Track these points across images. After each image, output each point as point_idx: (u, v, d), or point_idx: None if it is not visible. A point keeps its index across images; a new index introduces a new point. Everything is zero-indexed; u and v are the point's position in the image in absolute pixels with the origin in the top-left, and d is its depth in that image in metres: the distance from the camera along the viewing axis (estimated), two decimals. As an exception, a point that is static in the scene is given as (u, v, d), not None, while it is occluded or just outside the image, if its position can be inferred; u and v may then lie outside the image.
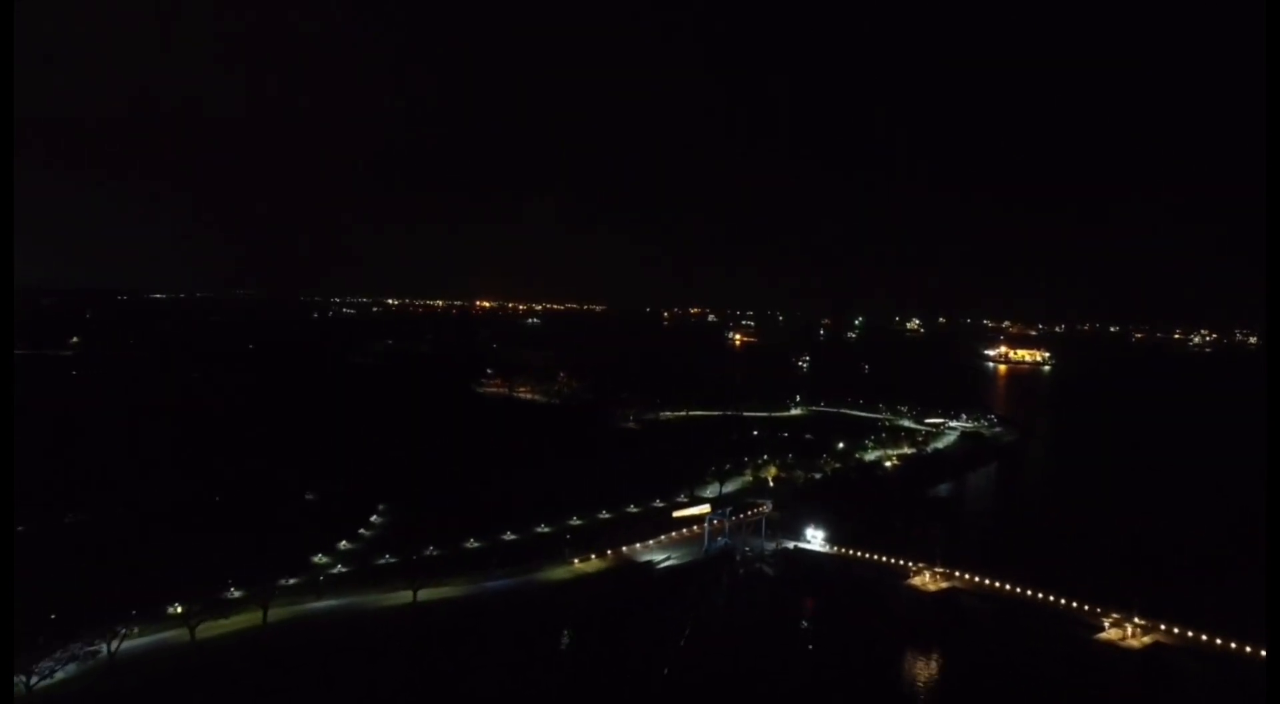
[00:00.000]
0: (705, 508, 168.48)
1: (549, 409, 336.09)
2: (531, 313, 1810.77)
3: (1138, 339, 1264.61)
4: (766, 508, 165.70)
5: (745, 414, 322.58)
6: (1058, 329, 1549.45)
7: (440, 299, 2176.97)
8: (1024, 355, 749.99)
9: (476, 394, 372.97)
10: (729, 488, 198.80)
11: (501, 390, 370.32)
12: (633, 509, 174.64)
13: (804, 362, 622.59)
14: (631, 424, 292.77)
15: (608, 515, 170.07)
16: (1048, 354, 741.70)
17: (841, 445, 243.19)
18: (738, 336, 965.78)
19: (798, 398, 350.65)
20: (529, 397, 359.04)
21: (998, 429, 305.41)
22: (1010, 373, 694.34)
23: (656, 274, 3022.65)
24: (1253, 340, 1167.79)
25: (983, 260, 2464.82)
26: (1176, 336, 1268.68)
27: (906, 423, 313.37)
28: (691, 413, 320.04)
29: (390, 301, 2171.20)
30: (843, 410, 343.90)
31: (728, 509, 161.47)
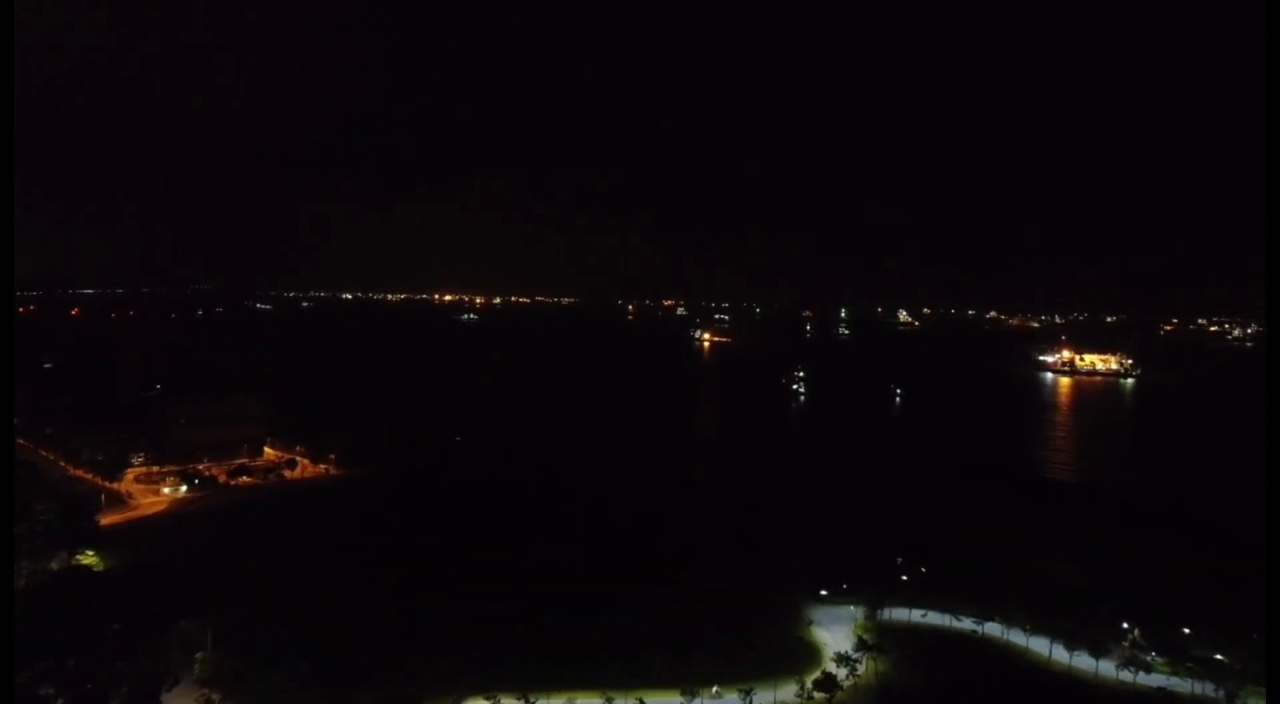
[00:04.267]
0: None
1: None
2: (489, 306, 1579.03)
3: (1166, 332, 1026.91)
4: None
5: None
6: (1058, 319, 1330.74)
7: (403, 292, 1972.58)
8: (1095, 362, 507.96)
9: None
10: None
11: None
12: None
13: (799, 381, 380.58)
14: None
15: None
16: (1129, 361, 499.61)
17: None
18: (707, 336, 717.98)
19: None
20: None
21: None
22: (1079, 387, 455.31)
23: (634, 266, 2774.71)
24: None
25: (963, 250, 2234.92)
26: (1213, 329, 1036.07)
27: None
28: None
29: (346, 295, 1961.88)
30: (949, 619, 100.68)
31: None
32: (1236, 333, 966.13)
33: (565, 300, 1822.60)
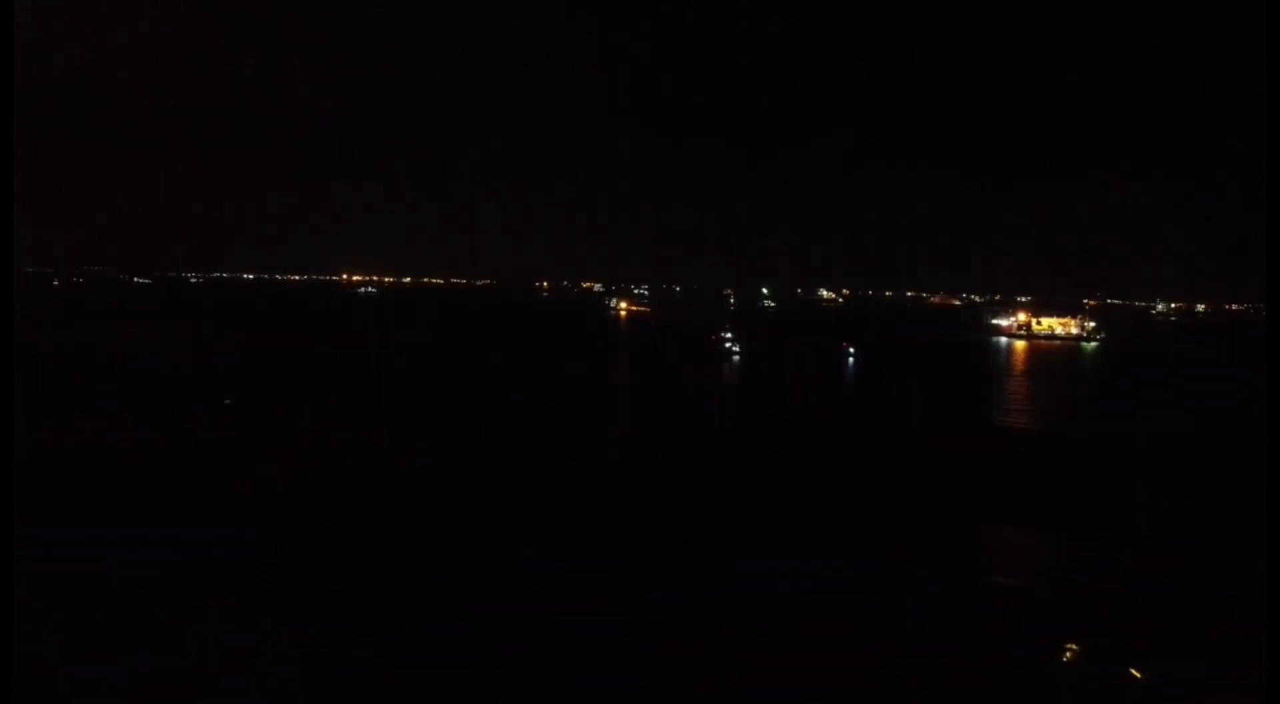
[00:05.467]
0: None
1: None
2: (398, 285, 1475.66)
3: (1090, 307, 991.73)
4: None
5: None
6: (976, 299, 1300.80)
7: (308, 274, 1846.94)
8: (1053, 326, 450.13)
9: None
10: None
11: None
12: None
13: (728, 341, 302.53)
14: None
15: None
16: (1091, 324, 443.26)
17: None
18: (623, 305, 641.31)
19: None
20: None
21: None
22: (1036, 352, 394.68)
23: (552, 246, 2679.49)
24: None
25: (880, 230, 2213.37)
26: (1139, 304, 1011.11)
27: None
28: None
29: (247, 275, 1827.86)
30: None
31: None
32: (1160, 307, 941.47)
33: (480, 282, 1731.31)
